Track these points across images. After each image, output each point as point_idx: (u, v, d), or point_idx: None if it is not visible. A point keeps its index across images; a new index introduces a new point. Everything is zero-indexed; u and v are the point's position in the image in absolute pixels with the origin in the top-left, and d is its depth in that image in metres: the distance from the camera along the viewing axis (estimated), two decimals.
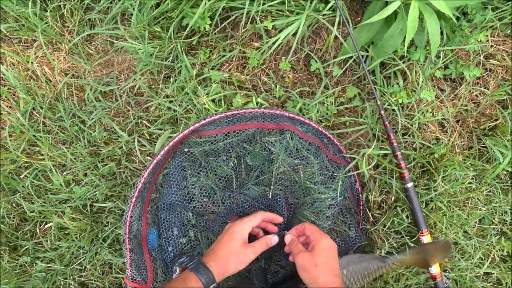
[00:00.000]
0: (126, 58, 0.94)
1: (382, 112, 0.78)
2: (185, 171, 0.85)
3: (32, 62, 0.93)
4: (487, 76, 0.98)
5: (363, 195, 0.89)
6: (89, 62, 0.94)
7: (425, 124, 0.92)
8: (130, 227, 0.82)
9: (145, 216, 0.85)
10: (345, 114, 0.90)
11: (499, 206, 0.99)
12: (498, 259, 1.02)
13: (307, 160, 0.82)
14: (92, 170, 0.90)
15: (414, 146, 0.90)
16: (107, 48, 0.96)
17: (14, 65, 0.93)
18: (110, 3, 0.92)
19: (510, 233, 1.00)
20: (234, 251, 0.73)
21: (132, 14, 0.86)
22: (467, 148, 0.98)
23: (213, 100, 0.87)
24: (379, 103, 0.77)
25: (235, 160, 0.85)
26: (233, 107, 0.85)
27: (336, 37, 0.84)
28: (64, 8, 0.93)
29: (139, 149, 0.89)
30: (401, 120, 0.87)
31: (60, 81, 0.93)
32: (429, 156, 0.90)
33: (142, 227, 0.84)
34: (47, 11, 0.92)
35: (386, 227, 0.88)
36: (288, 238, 0.79)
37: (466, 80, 0.94)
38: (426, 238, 0.86)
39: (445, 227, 0.93)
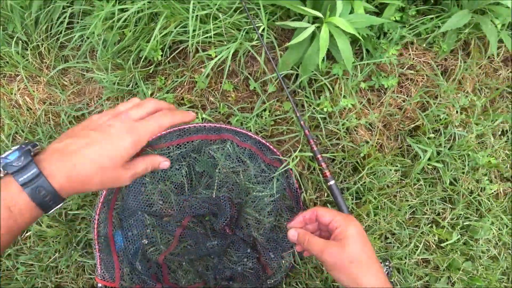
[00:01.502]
0: (96, 87, 1.10)
1: (302, 122, 0.92)
2: (144, 178, 0.99)
3: (15, 94, 1.10)
4: (409, 85, 1.12)
5: (301, 194, 1.02)
6: (64, 92, 1.10)
7: (354, 129, 1.06)
8: (98, 230, 0.96)
9: (110, 220, 0.98)
10: (282, 124, 1.04)
11: (429, 198, 1.12)
12: (434, 246, 1.14)
13: (245, 164, 0.96)
14: None
15: (343, 148, 1.04)
16: (80, 79, 1.12)
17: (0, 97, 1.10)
18: (81, 41, 1.09)
19: (441, 221, 1.12)
20: (104, 169, 0.50)
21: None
22: (396, 148, 1.11)
23: None
24: (298, 114, 0.91)
25: (186, 168, 0.99)
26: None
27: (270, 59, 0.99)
28: (42, 46, 1.09)
29: None
30: (326, 126, 1.01)
31: (39, 108, 1.08)
32: (357, 156, 1.04)
33: (108, 229, 0.98)
34: (27, 49, 1.09)
35: None
36: (293, 233, 0.64)
37: (389, 89, 1.08)
38: None
39: (379, 218, 1.06)
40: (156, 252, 1.01)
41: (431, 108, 1.08)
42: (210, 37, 0.96)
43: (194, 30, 0.93)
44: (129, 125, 0.55)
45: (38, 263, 1.04)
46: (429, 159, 1.10)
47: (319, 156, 0.96)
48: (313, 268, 1.05)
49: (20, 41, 1.10)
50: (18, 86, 1.10)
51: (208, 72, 1.01)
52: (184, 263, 1.03)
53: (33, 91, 1.10)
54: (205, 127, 0.97)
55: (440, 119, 1.09)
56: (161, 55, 1.00)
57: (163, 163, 0.66)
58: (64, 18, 1.05)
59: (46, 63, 1.11)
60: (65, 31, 1.06)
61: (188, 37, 0.96)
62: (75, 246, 1.04)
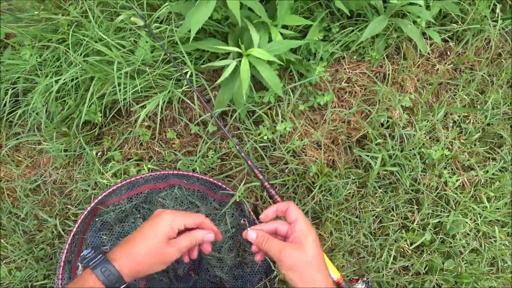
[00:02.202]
0: (49, 156, 1.14)
1: (243, 154, 0.94)
2: (101, 237, 1.00)
3: None
4: (348, 98, 1.15)
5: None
6: (18, 168, 1.13)
7: (302, 151, 1.08)
8: None
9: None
10: (229, 160, 1.06)
11: (393, 203, 1.11)
12: (410, 251, 1.11)
13: (196, 205, 0.97)
14: (28, 255, 1.06)
15: (293, 171, 1.05)
16: (33, 152, 1.15)
17: None
18: (29, 115, 1.13)
19: (410, 224, 1.11)
20: (152, 249, 0.61)
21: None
22: (349, 161, 1.12)
23: (115, 175, 1.04)
24: (237, 147, 0.93)
25: (142, 220, 1.00)
26: (128, 176, 1.02)
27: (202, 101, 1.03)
28: None
29: (63, 230, 1.06)
30: (272, 154, 1.03)
31: None
32: (308, 177, 1.04)
33: None
34: None
35: None
36: (252, 234, 0.66)
37: (328, 105, 1.11)
38: None
39: (343, 234, 1.05)
40: None
41: (372, 115, 1.10)
42: (141, 91, 1.00)
43: (124, 88, 0.97)
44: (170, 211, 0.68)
45: None
46: (383, 165, 1.10)
47: (266, 183, 0.97)
48: None
49: None
50: None
51: (150, 124, 1.04)
52: None
53: None
54: (152, 176, 0.99)
55: (383, 124, 1.11)
56: (101, 117, 1.04)
57: (207, 236, 0.71)
58: (11, 96, 1.11)
59: None
60: (12, 109, 1.11)
61: (121, 95, 1.00)
62: None
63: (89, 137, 1.08)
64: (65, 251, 0.96)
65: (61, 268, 0.95)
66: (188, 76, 0.99)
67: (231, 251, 0.97)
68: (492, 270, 1.20)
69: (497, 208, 1.20)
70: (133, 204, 0.99)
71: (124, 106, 1.04)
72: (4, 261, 1.07)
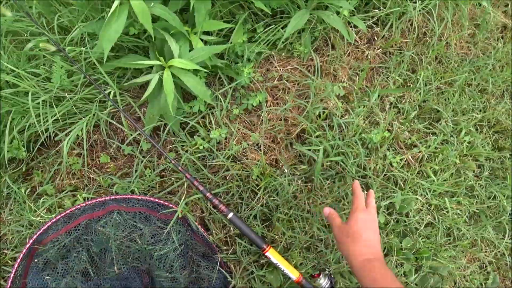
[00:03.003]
0: None
1: (180, 168, 0.91)
2: (44, 278, 0.93)
3: None
4: (282, 95, 1.15)
5: (210, 237, 0.99)
6: None
7: (243, 155, 1.06)
8: None
9: None
10: (170, 176, 1.03)
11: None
12: None
13: (138, 228, 0.93)
14: None
15: (236, 178, 1.03)
16: None
17: None
18: None
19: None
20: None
21: None
22: (293, 157, 1.12)
23: (49, 210, 0.98)
24: (173, 161, 0.90)
25: (85, 253, 0.95)
26: (63, 209, 0.97)
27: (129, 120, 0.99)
28: None
29: (3, 277, 0.98)
30: (211, 163, 1.00)
31: None
32: (252, 180, 1.03)
33: None
34: None
35: (237, 255, 0.98)
36: (326, 211, 0.83)
37: (262, 105, 1.10)
38: (270, 253, 0.95)
39: (296, 232, 1.03)
40: None
41: (308, 107, 1.10)
42: (63, 119, 0.95)
43: (45, 117, 0.92)
44: None
45: None
46: (327, 156, 1.11)
47: (208, 194, 0.94)
48: None
49: None
50: None
51: (80, 151, 0.99)
52: None
53: None
54: (88, 205, 0.94)
55: (320, 116, 1.11)
56: (25, 152, 0.98)
57: None
58: None
59: None
60: None
61: (39, 125, 0.95)
62: None
63: (17, 174, 1.02)
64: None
65: None
66: (111, 96, 0.95)
67: (184, 269, 0.93)
68: (449, 240, 1.23)
69: (444, 180, 1.23)
70: (73, 237, 0.94)
71: (48, 137, 0.98)
72: None
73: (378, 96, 1.21)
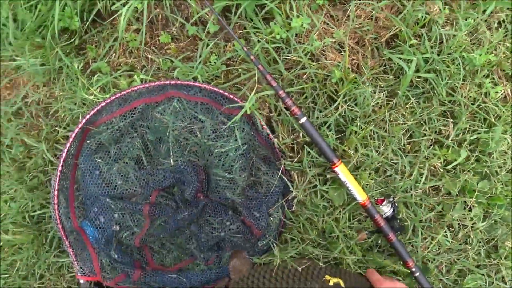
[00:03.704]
0: (26, 74, 0.99)
1: (252, 57, 0.77)
2: (96, 161, 0.88)
3: None
4: None
5: (274, 140, 0.89)
6: None
7: (321, 54, 0.91)
8: (63, 225, 0.87)
9: (72, 211, 0.89)
10: (236, 66, 0.90)
11: (426, 116, 0.96)
12: (442, 170, 0.99)
13: (199, 120, 0.83)
14: (21, 184, 0.96)
15: (312, 77, 0.89)
16: (9, 71, 1.00)
17: None
18: None
19: (445, 140, 0.97)
20: None
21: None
22: (376, 65, 0.95)
23: (104, 90, 0.89)
24: (245, 49, 0.77)
25: (140, 140, 0.87)
26: (118, 90, 0.87)
27: None
28: None
29: (55, 155, 0.94)
30: (286, 57, 0.86)
31: None
32: (329, 84, 0.89)
33: (73, 222, 0.89)
34: None
35: (303, 165, 0.88)
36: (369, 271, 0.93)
37: None
38: (339, 169, 0.85)
39: (369, 150, 0.91)
40: (131, 237, 0.91)
41: (406, 8, 0.90)
42: None
43: None
44: None
45: (16, 272, 0.97)
46: (417, 71, 0.94)
47: (281, 92, 0.82)
48: (307, 220, 0.93)
49: None
50: None
51: (139, 27, 0.87)
52: (164, 241, 0.93)
53: None
54: (146, 88, 0.84)
55: (419, 20, 0.92)
56: (78, 22, 0.87)
57: None
58: None
59: None
60: None
61: None
62: (48, 248, 0.96)
63: (69, 47, 0.92)
64: (57, 178, 0.86)
65: (56, 197, 0.86)
66: None
67: (243, 171, 0.85)
68: None
69: None
70: (127, 121, 0.86)
71: (104, 6, 0.86)
72: None
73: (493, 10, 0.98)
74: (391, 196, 0.96)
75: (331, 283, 0.82)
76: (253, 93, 0.81)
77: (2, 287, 0.99)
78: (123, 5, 0.83)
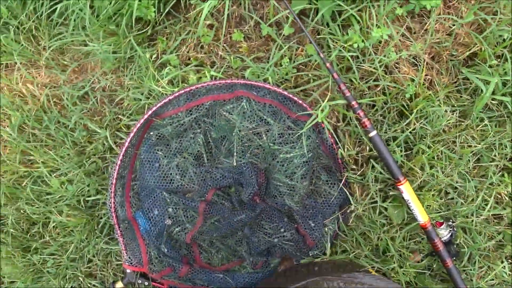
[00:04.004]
0: (96, 60, 1.00)
1: (328, 64, 0.76)
2: (157, 153, 0.89)
3: (17, 83, 1.02)
4: (458, 3, 0.91)
5: (338, 150, 0.86)
6: (63, 73, 1.01)
7: (395, 66, 0.88)
8: (117, 213, 0.88)
9: (127, 201, 0.90)
10: (307, 71, 0.88)
11: (497, 140, 0.91)
12: (507, 199, 0.94)
13: (267, 122, 0.82)
14: (80, 167, 0.97)
15: (384, 90, 0.86)
16: (79, 56, 1.02)
17: (1, 88, 1.03)
18: (72, 12, 0.98)
19: None
20: None
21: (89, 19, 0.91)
22: (450, 83, 0.91)
23: (172, 83, 0.89)
24: (322, 55, 0.75)
25: (202, 136, 0.87)
26: (187, 85, 0.87)
27: None
28: (34, 28, 1.00)
29: (115, 142, 0.95)
30: (360, 66, 0.84)
31: (42, 94, 1.01)
32: (402, 98, 0.86)
33: (127, 212, 0.89)
34: (19, 34, 1.00)
35: (365, 179, 0.85)
36: None
37: (433, 11, 0.88)
38: (404, 187, 0.81)
39: (436, 171, 0.88)
40: (182, 232, 0.91)
41: (490, 27, 0.86)
42: None
43: None
44: None
45: (65, 254, 0.99)
46: (493, 93, 0.89)
47: (354, 103, 0.79)
48: (361, 235, 0.90)
49: (10, 26, 1.01)
50: (18, 74, 1.03)
51: (213, 22, 0.86)
52: (214, 240, 0.92)
53: (34, 77, 1.03)
54: (215, 85, 0.83)
55: (504, 40, 0.87)
56: (155, 12, 0.87)
57: None
58: None
59: (41, 45, 1.02)
60: (52, 5, 0.96)
61: None
62: (99, 234, 0.98)
63: (141, 37, 0.93)
64: (117, 166, 0.87)
65: (113, 185, 0.86)
66: None
67: (305, 179, 0.83)
68: None
69: None
70: (193, 117, 0.85)
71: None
72: (55, 173, 0.99)
73: None
74: (451, 220, 0.92)
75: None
76: (325, 101, 0.79)
77: (49, 266, 1.01)
78: (203, 0, 0.83)
